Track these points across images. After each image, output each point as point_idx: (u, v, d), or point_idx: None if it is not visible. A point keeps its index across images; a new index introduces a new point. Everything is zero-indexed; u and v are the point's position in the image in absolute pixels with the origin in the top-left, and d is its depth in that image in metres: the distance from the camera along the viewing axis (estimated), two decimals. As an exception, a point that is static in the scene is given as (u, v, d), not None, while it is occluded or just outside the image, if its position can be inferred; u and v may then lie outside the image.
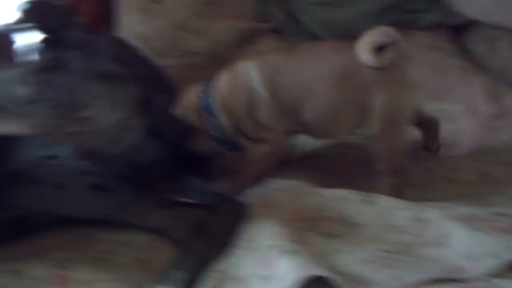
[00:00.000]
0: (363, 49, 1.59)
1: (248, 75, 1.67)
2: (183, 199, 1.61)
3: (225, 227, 1.50)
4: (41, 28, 1.11)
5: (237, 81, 1.69)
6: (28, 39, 1.28)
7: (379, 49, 1.59)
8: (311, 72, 1.64)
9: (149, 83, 1.71)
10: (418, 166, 1.76)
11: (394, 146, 1.66)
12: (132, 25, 2.32)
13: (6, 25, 1.11)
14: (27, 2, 1.13)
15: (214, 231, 1.48)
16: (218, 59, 2.28)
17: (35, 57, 1.16)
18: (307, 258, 1.31)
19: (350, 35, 2.50)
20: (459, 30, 2.57)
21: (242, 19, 2.50)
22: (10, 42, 1.09)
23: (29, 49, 1.27)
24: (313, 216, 1.50)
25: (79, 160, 1.48)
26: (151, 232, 1.53)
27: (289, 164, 1.78)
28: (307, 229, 1.46)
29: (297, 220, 1.48)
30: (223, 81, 1.71)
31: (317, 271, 1.29)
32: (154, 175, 1.65)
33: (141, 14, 2.35)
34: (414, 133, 1.84)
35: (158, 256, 1.48)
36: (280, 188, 1.63)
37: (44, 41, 1.11)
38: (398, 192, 1.61)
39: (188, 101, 1.71)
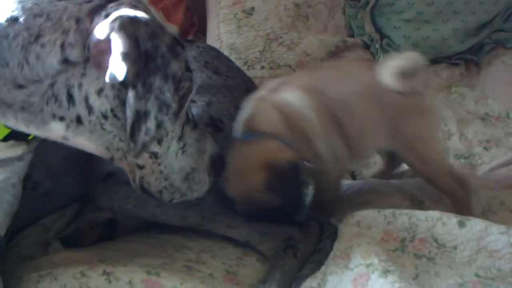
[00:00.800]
0: (388, 73, 1.53)
1: (296, 105, 1.55)
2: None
3: (315, 245, 1.49)
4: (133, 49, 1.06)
5: (291, 115, 1.55)
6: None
7: (404, 74, 1.53)
8: (346, 89, 1.58)
9: (242, 92, 1.72)
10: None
11: (432, 169, 1.65)
12: (223, 36, 2.34)
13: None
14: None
15: (304, 248, 1.47)
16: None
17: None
18: (401, 278, 1.28)
19: (441, 53, 2.53)
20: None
21: (332, 33, 2.50)
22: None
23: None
24: (405, 237, 1.47)
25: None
26: (237, 244, 1.53)
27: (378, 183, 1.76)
28: (399, 250, 1.44)
29: (389, 241, 1.46)
30: (274, 116, 1.55)
31: (411, 292, 1.26)
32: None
33: (233, 25, 2.37)
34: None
35: (244, 269, 1.48)
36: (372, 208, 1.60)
37: (127, 56, 1.06)
38: (460, 211, 1.60)
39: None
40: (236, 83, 1.74)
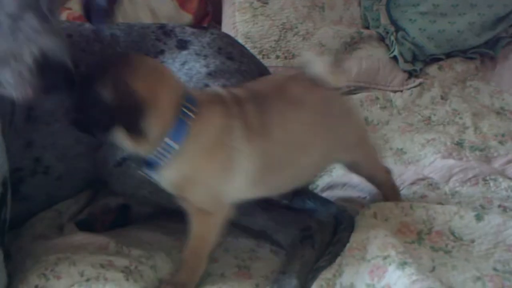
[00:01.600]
0: (327, 71, 1.39)
1: (232, 133, 1.31)
2: (286, 203, 1.58)
3: (331, 236, 1.47)
4: None
5: (218, 140, 1.31)
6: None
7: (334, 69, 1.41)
8: (299, 122, 1.37)
9: (254, 77, 1.71)
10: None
11: (376, 161, 1.62)
12: (239, 24, 2.34)
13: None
14: None
15: (321, 239, 1.46)
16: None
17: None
18: (418, 270, 1.27)
19: (456, 46, 2.51)
20: None
21: (347, 24, 2.49)
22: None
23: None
24: (422, 229, 1.46)
25: None
26: (250, 236, 1.52)
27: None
28: (416, 242, 1.43)
29: (406, 233, 1.45)
30: (200, 133, 1.29)
31: (429, 284, 1.24)
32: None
33: (248, 14, 2.36)
34: None
35: (257, 262, 1.47)
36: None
37: None
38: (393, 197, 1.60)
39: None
40: (250, 69, 1.72)
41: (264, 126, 1.33)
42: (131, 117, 1.21)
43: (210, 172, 1.31)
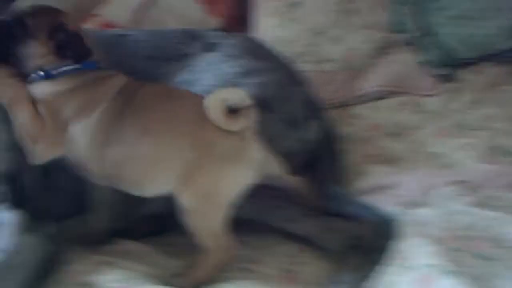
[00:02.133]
0: (214, 108, 1.34)
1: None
2: (329, 209, 1.55)
3: (378, 243, 1.45)
4: None
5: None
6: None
7: (231, 111, 1.34)
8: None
9: (285, 76, 1.71)
10: None
11: (204, 225, 1.40)
12: (269, 29, 2.33)
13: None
14: None
15: (369, 247, 1.44)
16: (353, 67, 2.27)
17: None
18: (468, 280, 1.25)
19: (486, 50, 2.49)
20: None
21: (378, 29, 2.46)
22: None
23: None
24: (466, 236, 1.43)
25: None
26: (295, 240, 1.50)
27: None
28: (461, 250, 1.39)
29: (450, 240, 1.42)
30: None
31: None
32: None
33: (279, 18, 2.35)
34: None
35: (304, 267, 1.45)
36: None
37: None
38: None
39: None
40: (279, 67, 1.73)
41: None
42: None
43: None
